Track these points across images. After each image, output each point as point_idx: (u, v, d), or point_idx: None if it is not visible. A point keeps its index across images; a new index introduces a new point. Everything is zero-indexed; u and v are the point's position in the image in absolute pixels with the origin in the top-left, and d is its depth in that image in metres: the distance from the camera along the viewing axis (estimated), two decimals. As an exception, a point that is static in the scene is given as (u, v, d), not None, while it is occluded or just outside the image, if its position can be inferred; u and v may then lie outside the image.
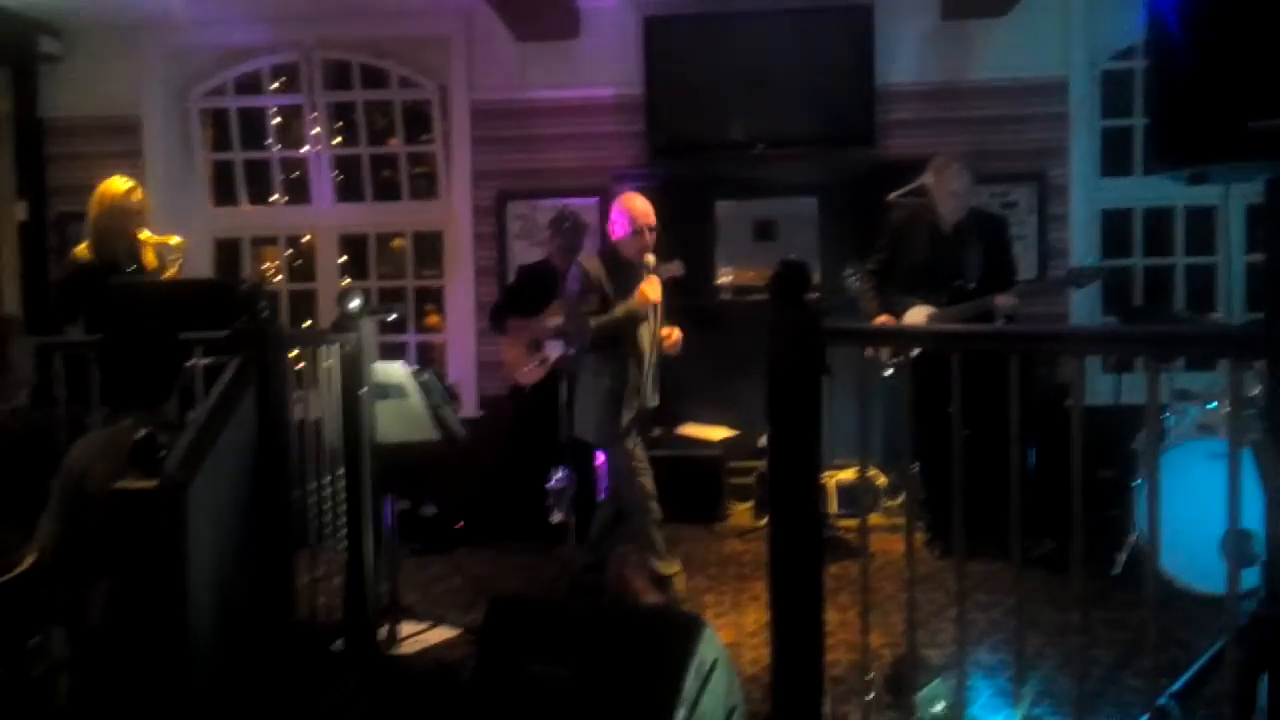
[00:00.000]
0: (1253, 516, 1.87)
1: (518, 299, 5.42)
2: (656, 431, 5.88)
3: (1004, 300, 4.60)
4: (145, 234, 4.56)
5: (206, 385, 3.14)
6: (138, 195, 4.50)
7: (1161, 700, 2.40)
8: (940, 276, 4.75)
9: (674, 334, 4.29)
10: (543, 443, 5.02)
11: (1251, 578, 2.40)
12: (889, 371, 4.90)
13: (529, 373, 5.28)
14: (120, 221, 4.44)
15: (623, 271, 4.25)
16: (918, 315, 4.76)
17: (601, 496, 5.53)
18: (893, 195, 5.34)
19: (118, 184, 4.49)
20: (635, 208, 4.24)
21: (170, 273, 4.59)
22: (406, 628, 3.99)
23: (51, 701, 2.63)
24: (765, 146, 5.95)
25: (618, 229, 4.25)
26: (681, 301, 5.84)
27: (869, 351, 4.46)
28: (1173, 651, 3.37)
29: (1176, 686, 2.53)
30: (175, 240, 4.63)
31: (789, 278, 2.31)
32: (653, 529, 4.27)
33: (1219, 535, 3.67)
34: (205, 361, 3.38)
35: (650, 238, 4.23)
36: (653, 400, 4.32)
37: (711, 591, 4.47)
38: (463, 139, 6.32)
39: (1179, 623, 3.72)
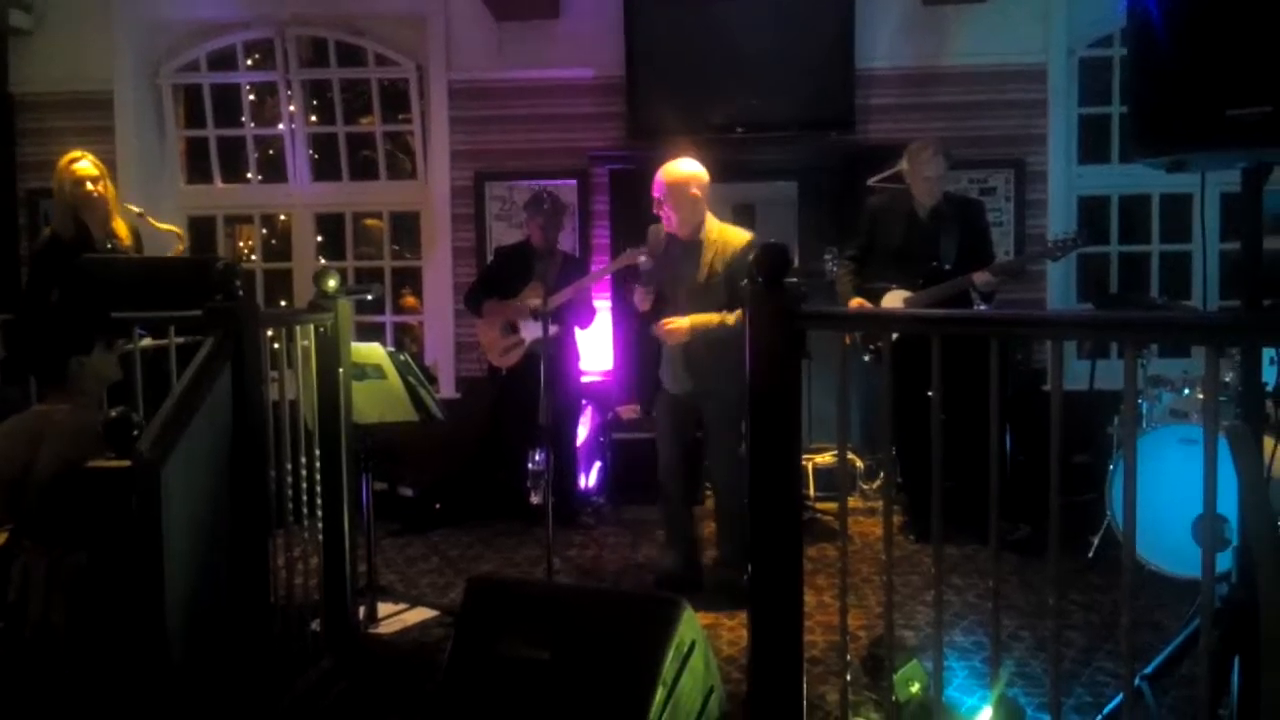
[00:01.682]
0: (1226, 501, 1.89)
1: (494, 280, 5.39)
2: (632, 413, 5.90)
3: (980, 277, 4.60)
4: (150, 220, 4.54)
5: (180, 365, 3.12)
6: (80, 164, 4.45)
7: (1135, 682, 2.43)
8: (917, 261, 4.76)
9: (666, 324, 4.05)
10: (522, 424, 5.01)
11: (1224, 562, 2.43)
12: (867, 357, 4.93)
13: (505, 355, 5.26)
14: (71, 193, 4.41)
15: (667, 249, 4.13)
16: (893, 300, 4.77)
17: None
18: (872, 180, 5.36)
19: (64, 158, 4.48)
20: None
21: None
22: (384, 608, 3.99)
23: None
24: (745, 130, 5.93)
25: None
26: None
27: (847, 337, 4.53)
28: (1146, 634, 3.42)
29: (1149, 669, 2.56)
30: (178, 231, 4.61)
31: (769, 261, 2.31)
32: (665, 516, 4.41)
33: (1192, 520, 3.74)
34: (180, 340, 3.36)
35: (659, 209, 4.10)
36: (676, 386, 4.15)
37: (689, 574, 4.47)
38: (440, 119, 6.27)
39: (1152, 606, 3.77)
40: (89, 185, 4.41)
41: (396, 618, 3.94)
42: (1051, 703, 2.05)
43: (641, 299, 4.09)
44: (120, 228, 4.56)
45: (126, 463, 2.24)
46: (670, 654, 2.51)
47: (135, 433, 2.29)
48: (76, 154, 4.49)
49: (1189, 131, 2.24)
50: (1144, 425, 4.38)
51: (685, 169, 4.12)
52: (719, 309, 4.00)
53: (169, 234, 4.55)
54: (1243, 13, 2.16)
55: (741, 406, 3.98)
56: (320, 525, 3.37)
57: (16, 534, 2.66)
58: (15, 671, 2.62)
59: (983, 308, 4.86)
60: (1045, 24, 5.91)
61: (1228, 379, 4.05)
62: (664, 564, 4.35)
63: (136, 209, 4.57)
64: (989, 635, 2.16)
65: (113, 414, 2.30)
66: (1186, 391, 4.46)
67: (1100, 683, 3.23)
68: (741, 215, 6.19)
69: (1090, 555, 4.37)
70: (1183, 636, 2.60)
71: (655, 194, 4.10)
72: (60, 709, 2.51)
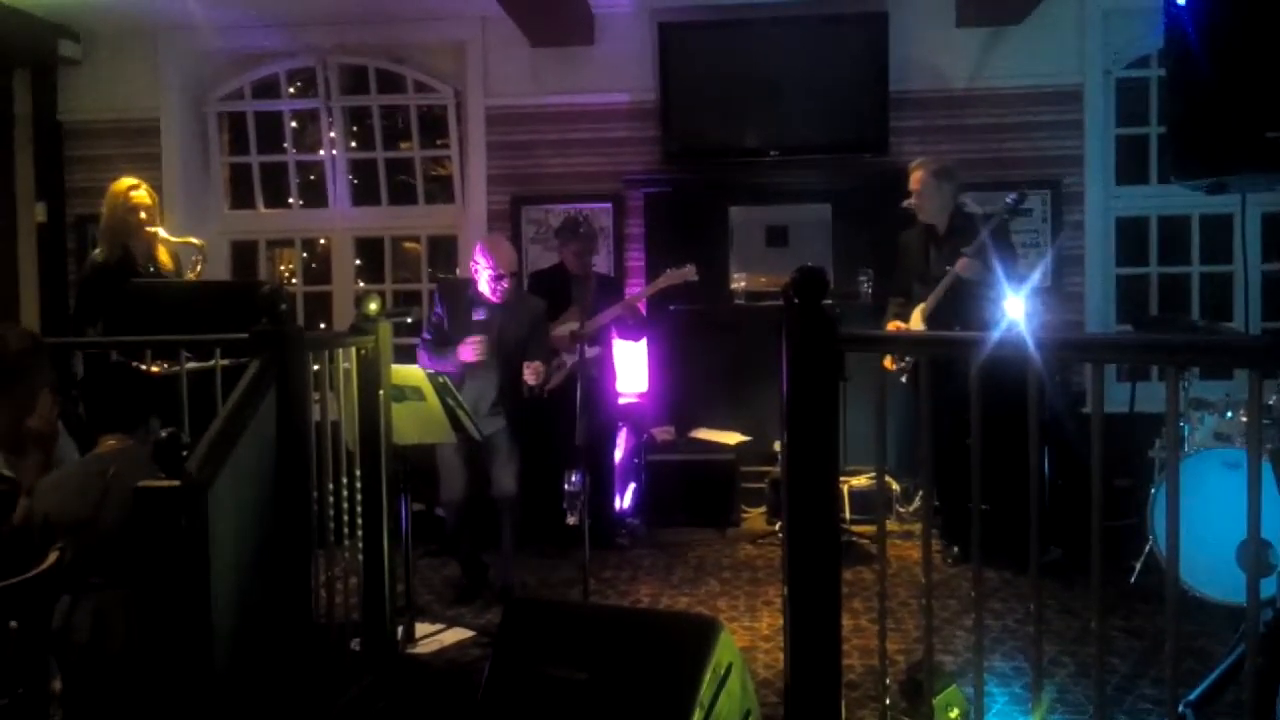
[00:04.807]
0: (1270, 526, 1.87)
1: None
2: (667, 435, 5.92)
3: (960, 264, 4.59)
4: (163, 235, 4.61)
5: (226, 387, 3.18)
6: (138, 192, 4.54)
7: (1179, 709, 2.41)
8: (938, 275, 4.77)
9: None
10: (559, 446, 5.03)
11: (1268, 587, 2.40)
12: (904, 378, 4.92)
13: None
14: (124, 219, 4.49)
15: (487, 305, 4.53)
16: (916, 315, 4.80)
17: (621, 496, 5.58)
18: (906, 203, 5.35)
19: (120, 183, 4.56)
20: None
21: (193, 275, 4.65)
22: (422, 628, 4.02)
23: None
24: (779, 153, 5.96)
25: None
26: (695, 306, 5.91)
27: (888, 362, 4.54)
28: (1190, 661, 3.37)
29: (1193, 695, 2.53)
30: (198, 242, 4.68)
31: (807, 284, 2.32)
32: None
33: (1235, 544, 3.69)
34: (225, 363, 3.42)
35: (500, 280, 4.44)
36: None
37: (725, 596, 4.47)
38: (478, 144, 6.35)
39: (1194, 632, 3.72)
40: (143, 215, 4.51)
41: (434, 638, 3.97)
42: (1094, 729, 2.04)
43: (479, 350, 4.34)
44: (163, 253, 4.66)
45: (176, 483, 2.28)
46: (707, 676, 2.51)
47: (184, 453, 2.34)
48: (134, 181, 4.57)
49: (1228, 153, 2.24)
50: (1186, 449, 4.33)
51: (506, 242, 4.63)
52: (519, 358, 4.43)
53: (188, 246, 4.64)
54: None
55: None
56: (360, 545, 3.41)
57: (79, 576, 2.71)
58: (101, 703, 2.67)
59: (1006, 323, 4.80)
60: (1081, 45, 5.90)
61: (1271, 402, 4.00)
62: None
63: (150, 228, 4.63)
64: (1029, 660, 2.15)
65: (162, 434, 2.34)
66: (1230, 414, 4.40)
67: (1143, 710, 3.18)
68: (775, 238, 6.20)
69: (1132, 580, 4.32)
70: (1228, 663, 2.57)
71: (506, 270, 4.40)
72: None
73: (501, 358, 4.44)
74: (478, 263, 4.44)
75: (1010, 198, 4.64)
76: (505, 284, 4.41)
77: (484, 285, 4.43)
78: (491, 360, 4.40)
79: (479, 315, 4.45)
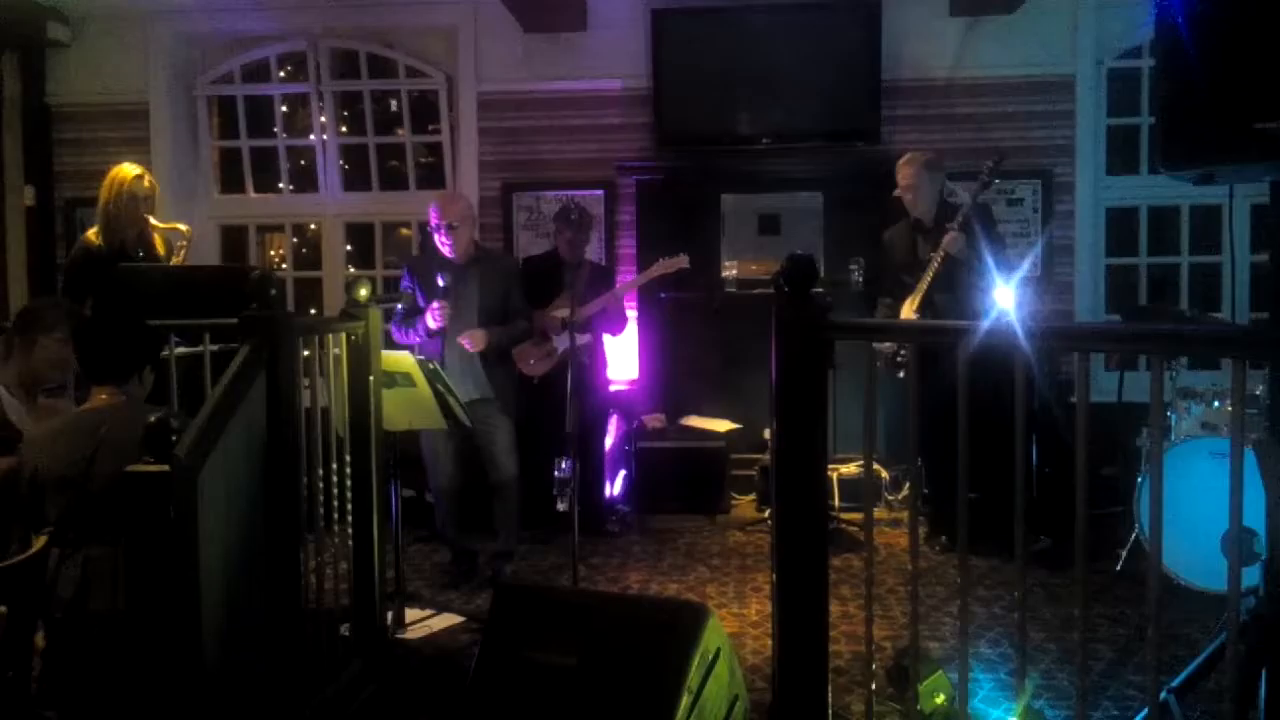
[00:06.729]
0: (1254, 515, 1.89)
1: (524, 292, 5.42)
2: (657, 422, 5.93)
3: (948, 240, 4.59)
4: (153, 221, 4.60)
5: (215, 372, 3.17)
6: (148, 181, 4.55)
7: (1162, 695, 2.43)
8: (924, 267, 4.77)
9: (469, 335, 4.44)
10: (549, 432, 5.04)
11: (1252, 576, 2.42)
12: (901, 374, 4.90)
13: (537, 364, 5.29)
14: (130, 207, 4.48)
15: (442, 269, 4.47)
16: (906, 309, 4.81)
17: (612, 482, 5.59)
18: (897, 192, 5.36)
19: (128, 170, 4.52)
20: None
21: (176, 260, 4.64)
22: (411, 614, 4.03)
23: (25, 691, 2.63)
24: (771, 140, 5.96)
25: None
26: (686, 294, 5.91)
27: (883, 349, 4.55)
28: (1173, 648, 3.40)
29: (1176, 682, 2.56)
30: (183, 228, 4.67)
31: (797, 272, 2.33)
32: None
33: (1220, 533, 3.72)
34: (214, 348, 3.42)
35: (447, 234, 4.43)
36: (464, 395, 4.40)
37: (714, 582, 4.49)
38: (469, 129, 6.33)
39: (1179, 619, 3.75)
40: (143, 205, 4.51)
41: (423, 623, 3.98)
42: (1078, 716, 2.05)
43: (441, 314, 4.32)
44: (157, 240, 4.65)
45: (165, 468, 2.28)
46: (695, 661, 2.53)
47: (173, 438, 2.34)
48: (139, 170, 4.56)
49: (1216, 144, 2.24)
50: (1173, 438, 4.36)
51: (467, 201, 4.66)
52: (500, 321, 4.49)
53: (170, 231, 4.64)
54: (1271, 25, 2.16)
55: (511, 404, 4.53)
56: (350, 531, 3.41)
57: (67, 531, 2.71)
58: (82, 660, 2.67)
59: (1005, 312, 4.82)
60: (1073, 35, 5.91)
61: (1257, 392, 4.02)
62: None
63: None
64: (1015, 647, 2.17)
65: (152, 419, 2.34)
66: (1216, 404, 4.43)
67: (1127, 696, 3.21)
68: (766, 225, 6.21)
69: (1118, 568, 4.35)
70: (1210, 650, 2.59)
71: (448, 220, 4.38)
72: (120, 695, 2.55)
73: (481, 323, 4.44)
74: (430, 222, 4.45)
75: (989, 163, 4.63)
76: (449, 236, 4.38)
77: (438, 241, 4.44)
78: (468, 326, 4.40)
79: (441, 280, 4.41)
